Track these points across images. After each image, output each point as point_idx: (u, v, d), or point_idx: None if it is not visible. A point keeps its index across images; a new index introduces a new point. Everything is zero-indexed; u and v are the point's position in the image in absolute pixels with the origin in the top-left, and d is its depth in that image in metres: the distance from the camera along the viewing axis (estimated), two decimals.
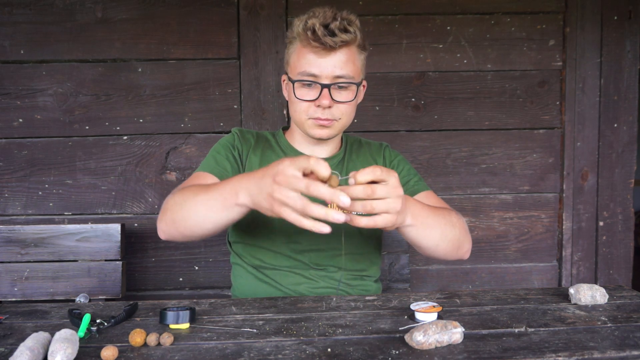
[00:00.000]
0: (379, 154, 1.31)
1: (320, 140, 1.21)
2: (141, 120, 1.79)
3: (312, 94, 1.13)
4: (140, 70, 1.78)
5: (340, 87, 1.13)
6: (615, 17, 1.82)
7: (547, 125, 1.86)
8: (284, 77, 1.22)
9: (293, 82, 1.14)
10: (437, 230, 1.03)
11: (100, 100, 1.78)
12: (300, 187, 0.76)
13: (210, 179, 1.14)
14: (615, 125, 1.85)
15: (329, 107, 1.12)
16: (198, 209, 0.96)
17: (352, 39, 1.10)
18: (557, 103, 1.86)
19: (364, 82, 1.22)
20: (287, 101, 1.24)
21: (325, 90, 1.11)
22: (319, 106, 1.12)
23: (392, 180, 0.83)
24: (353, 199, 0.78)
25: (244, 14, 1.77)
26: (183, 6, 1.77)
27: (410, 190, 1.25)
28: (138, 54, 1.78)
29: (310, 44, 1.09)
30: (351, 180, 0.81)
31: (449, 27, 1.82)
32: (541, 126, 1.86)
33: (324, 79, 1.11)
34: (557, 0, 1.82)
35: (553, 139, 1.87)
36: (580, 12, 1.82)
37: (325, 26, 1.08)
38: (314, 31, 1.07)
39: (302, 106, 1.15)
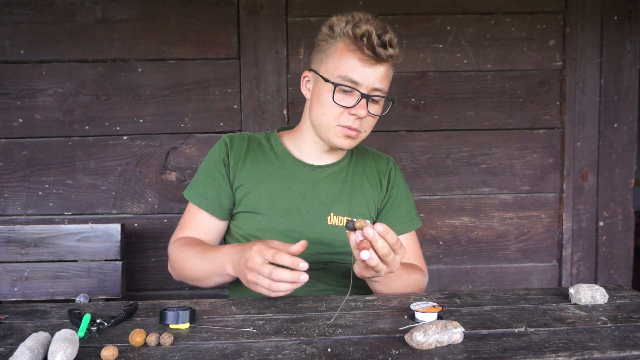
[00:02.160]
0: (384, 173, 1.29)
1: (333, 149, 1.19)
2: (141, 120, 1.79)
3: (349, 100, 1.09)
4: (140, 70, 1.78)
5: (373, 101, 1.11)
6: (615, 17, 1.82)
7: (547, 125, 1.86)
8: (307, 73, 1.18)
9: (335, 85, 1.09)
10: (394, 286, 1.10)
11: (100, 100, 1.78)
12: (265, 274, 0.89)
13: (203, 218, 1.22)
14: (615, 125, 1.85)
15: (363, 117, 1.10)
16: (198, 274, 1.13)
17: (397, 56, 1.10)
18: (557, 103, 1.86)
19: None
20: (307, 100, 1.19)
21: (364, 100, 1.08)
22: (353, 114, 1.09)
23: (402, 252, 0.95)
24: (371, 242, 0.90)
25: (244, 14, 1.77)
26: (183, 6, 1.77)
27: (397, 228, 1.24)
28: (138, 54, 1.78)
29: (360, 50, 1.06)
30: (373, 228, 0.90)
31: (449, 27, 1.82)
32: (541, 126, 1.86)
33: (364, 88, 1.08)
34: (557, 0, 1.82)
35: (553, 139, 1.87)
36: (580, 12, 1.82)
37: (380, 36, 1.06)
38: (369, 38, 1.05)
39: (336, 111, 1.11)
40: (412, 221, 1.28)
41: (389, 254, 0.91)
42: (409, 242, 1.26)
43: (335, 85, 1.08)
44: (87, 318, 0.83)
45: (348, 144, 1.14)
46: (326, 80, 1.10)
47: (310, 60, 1.20)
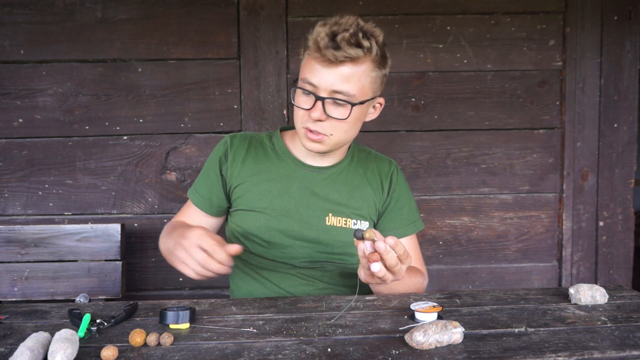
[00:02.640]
0: (386, 175, 1.27)
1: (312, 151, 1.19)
2: (141, 120, 1.79)
3: (307, 103, 1.09)
4: (140, 70, 1.78)
5: (337, 104, 1.07)
6: (615, 17, 1.82)
7: (547, 125, 1.86)
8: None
9: (295, 87, 1.12)
10: (395, 289, 1.11)
11: (100, 100, 1.78)
12: (198, 258, 0.93)
13: (195, 213, 1.27)
14: (615, 125, 1.85)
15: (320, 120, 1.08)
16: (165, 253, 1.15)
17: (360, 56, 1.03)
18: (557, 103, 1.86)
19: (381, 100, 1.17)
20: None
21: (319, 103, 1.06)
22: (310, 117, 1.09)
23: (407, 261, 0.96)
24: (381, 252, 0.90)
25: (244, 14, 1.77)
26: (183, 6, 1.77)
27: (398, 231, 1.25)
28: (138, 54, 1.78)
29: (315, 52, 1.05)
30: (385, 241, 0.90)
31: (449, 27, 1.82)
32: (541, 126, 1.87)
33: (321, 91, 1.06)
34: (557, 0, 1.82)
35: (553, 139, 1.87)
36: (580, 12, 1.82)
37: (332, 37, 1.02)
38: (316, 39, 1.04)
39: (299, 113, 1.11)
40: (413, 224, 1.28)
41: (396, 264, 0.92)
42: (410, 244, 1.26)
43: (296, 88, 1.11)
44: (87, 318, 0.84)
45: (314, 147, 1.13)
46: (294, 84, 1.13)
47: None
